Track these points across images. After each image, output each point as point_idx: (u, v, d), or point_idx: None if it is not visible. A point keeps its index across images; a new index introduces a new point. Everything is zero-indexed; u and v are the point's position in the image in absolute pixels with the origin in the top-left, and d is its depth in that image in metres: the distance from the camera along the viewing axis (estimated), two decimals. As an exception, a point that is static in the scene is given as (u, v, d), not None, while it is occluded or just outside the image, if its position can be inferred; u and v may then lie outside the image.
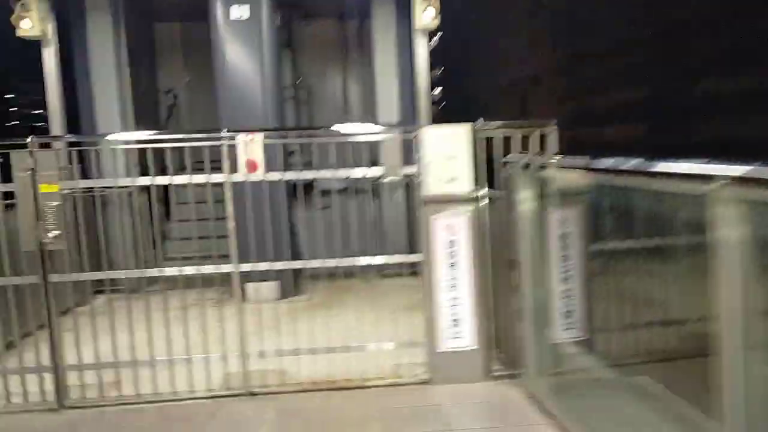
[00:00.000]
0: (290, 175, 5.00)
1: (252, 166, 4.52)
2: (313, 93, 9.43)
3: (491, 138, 4.21)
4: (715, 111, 6.81)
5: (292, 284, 6.50)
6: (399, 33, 7.61)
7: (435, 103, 7.11)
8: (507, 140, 4.24)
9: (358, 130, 4.63)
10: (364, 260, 4.30)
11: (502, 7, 13.40)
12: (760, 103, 5.91)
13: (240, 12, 6.25)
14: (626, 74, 9.03)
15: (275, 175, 4.60)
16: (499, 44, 13.78)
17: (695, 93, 7.32)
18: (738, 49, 6.39)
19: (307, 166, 7.94)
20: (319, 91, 9.51)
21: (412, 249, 5.18)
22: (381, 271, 6.10)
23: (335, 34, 9.38)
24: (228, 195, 4.12)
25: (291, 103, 9.17)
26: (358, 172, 4.33)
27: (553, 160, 4.03)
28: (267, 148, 4.27)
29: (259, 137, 4.34)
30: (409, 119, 7.41)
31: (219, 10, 6.31)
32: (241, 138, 4.27)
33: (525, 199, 3.95)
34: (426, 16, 5.32)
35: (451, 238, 4.05)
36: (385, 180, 4.19)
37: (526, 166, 3.96)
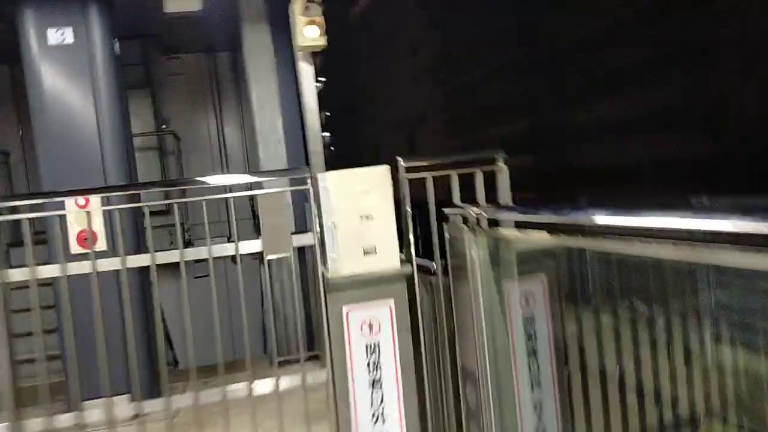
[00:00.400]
0: (137, 260, 3.51)
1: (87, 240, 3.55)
2: (183, 140, 7.85)
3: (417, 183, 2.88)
4: (599, 138, 6.15)
5: (149, 391, 4.73)
6: (279, 63, 6.27)
7: (326, 146, 5.79)
8: (440, 184, 2.93)
9: (224, 182, 3.19)
10: (237, 388, 2.79)
11: (384, 47, 12.79)
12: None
13: (60, 36, 4.64)
14: (510, 104, 8.35)
15: (115, 263, 3.14)
16: (384, 84, 13.15)
17: (578, 120, 6.61)
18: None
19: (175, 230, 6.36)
20: (190, 137, 7.94)
21: (311, 341, 3.71)
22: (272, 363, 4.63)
23: (205, 69, 7.92)
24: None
25: (155, 153, 7.54)
26: (227, 248, 2.88)
27: (509, 213, 2.73)
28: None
29: (95, 202, 3.30)
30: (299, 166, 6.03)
31: (32, 36, 4.67)
32: (70, 206, 3.00)
33: (477, 271, 2.64)
34: (309, 33, 4.03)
35: (372, 340, 2.63)
36: (268, 258, 2.76)
37: (477, 222, 2.64)
